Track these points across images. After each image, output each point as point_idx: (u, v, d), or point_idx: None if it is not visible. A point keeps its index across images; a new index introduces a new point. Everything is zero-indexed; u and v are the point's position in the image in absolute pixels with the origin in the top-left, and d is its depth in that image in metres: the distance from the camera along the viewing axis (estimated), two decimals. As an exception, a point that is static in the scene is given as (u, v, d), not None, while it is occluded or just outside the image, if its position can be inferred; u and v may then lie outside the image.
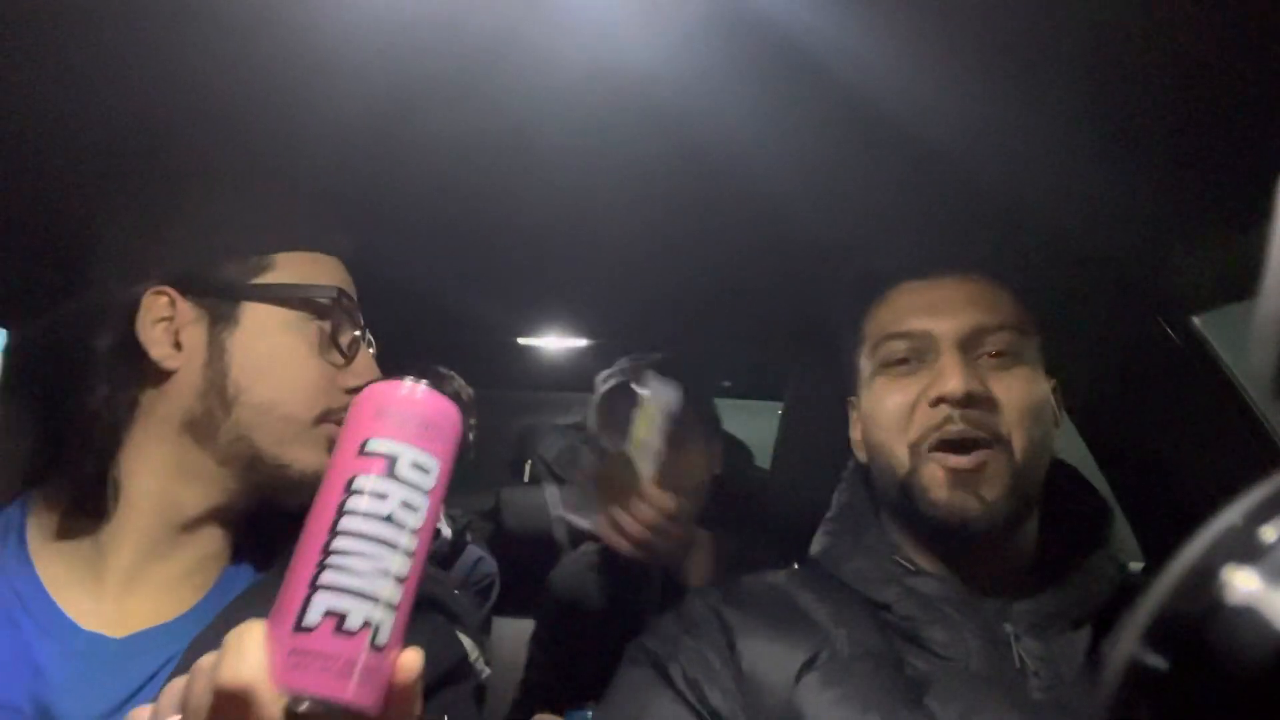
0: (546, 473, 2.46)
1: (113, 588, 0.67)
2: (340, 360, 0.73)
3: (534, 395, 2.65)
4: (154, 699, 0.60)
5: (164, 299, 0.70)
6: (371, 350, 0.78)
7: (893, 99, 0.67)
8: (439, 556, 1.64)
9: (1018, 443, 0.76)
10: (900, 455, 0.79)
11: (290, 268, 0.73)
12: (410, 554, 0.43)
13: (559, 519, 2.30)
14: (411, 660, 0.43)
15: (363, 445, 0.44)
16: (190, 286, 0.71)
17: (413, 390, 0.45)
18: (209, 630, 0.64)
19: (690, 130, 0.74)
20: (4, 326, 0.81)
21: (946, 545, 0.80)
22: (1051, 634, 0.75)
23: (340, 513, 0.42)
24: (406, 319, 1.27)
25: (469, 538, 1.93)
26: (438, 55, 0.65)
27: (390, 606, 0.42)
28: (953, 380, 0.76)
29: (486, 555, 1.87)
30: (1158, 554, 1.16)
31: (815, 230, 0.96)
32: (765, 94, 0.69)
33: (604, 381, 1.43)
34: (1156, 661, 0.27)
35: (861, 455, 0.88)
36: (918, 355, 0.81)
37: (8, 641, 0.63)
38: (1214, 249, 0.94)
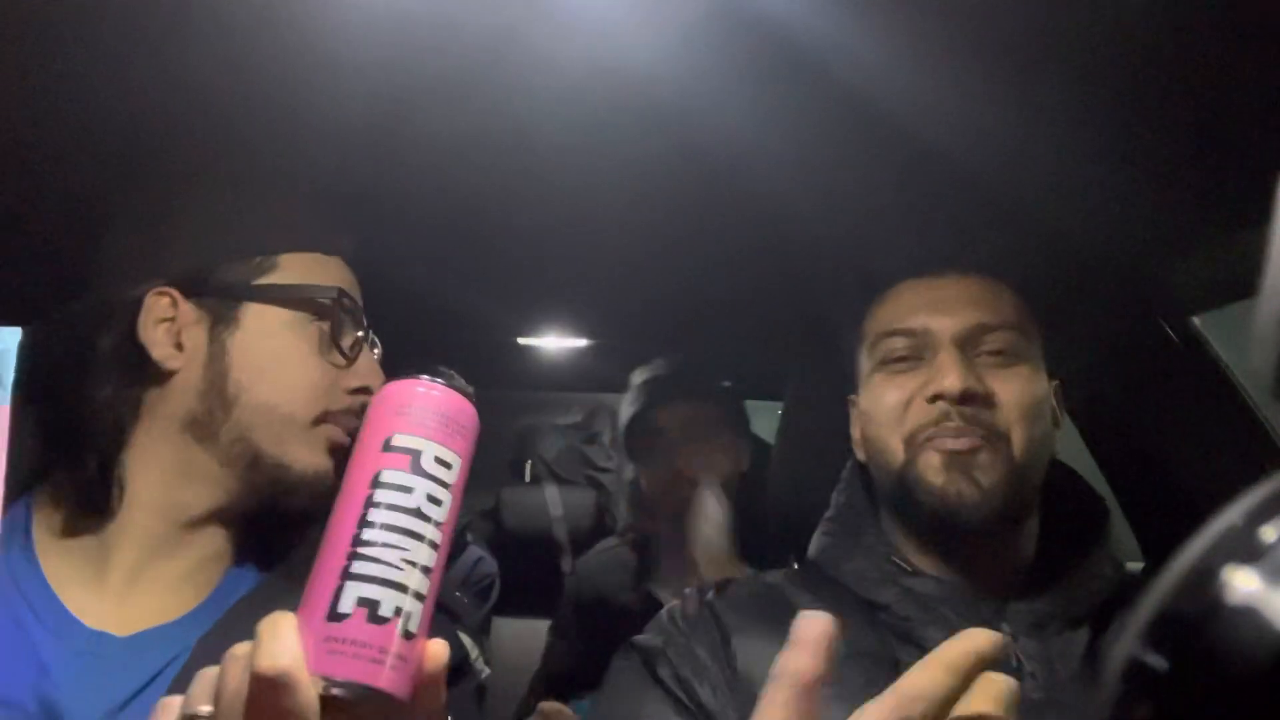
0: (546, 473, 2.47)
1: (117, 586, 0.67)
2: (342, 361, 0.73)
3: (534, 395, 2.65)
4: (163, 694, 0.61)
5: (166, 300, 0.70)
6: (377, 352, 0.78)
7: (892, 99, 0.68)
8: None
9: (1016, 439, 0.76)
10: (896, 449, 0.79)
11: (292, 268, 0.73)
12: (435, 546, 0.44)
13: (559, 519, 2.32)
14: (439, 650, 0.43)
15: (387, 441, 0.45)
16: (192, 287, 0.71)
17: (431, 388, 0.47)
18: (215, 630, 0.64)
19: (690, 130, 0.74)
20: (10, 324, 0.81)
21: (943, 537, 0.79)
22: (1049, 634, 0.75)
23: (368, 505, 0.43)
24: (407, 319, 1.27)
25: (469, 538, 1.93)
26: (438, 55, 0.65)
27: (419, 596, 0.43)
28: (950, 377, 0.76)
29: (487, 555, 1.87)
30: (1158, 554, 1.16)
31: (815, 230, 0.96)
32: (765, 94, 0.69)
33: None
34: (1156, 661, 0.27)
35: (861, 454, 0.88)
36: (916, 353, 0.81)
37: (13, 639, 0.63)
38: (1214, 249, 0.95)
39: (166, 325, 0.70)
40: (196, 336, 0.70)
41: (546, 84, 0.68)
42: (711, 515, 1.39)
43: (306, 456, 0.71)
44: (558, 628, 1.69)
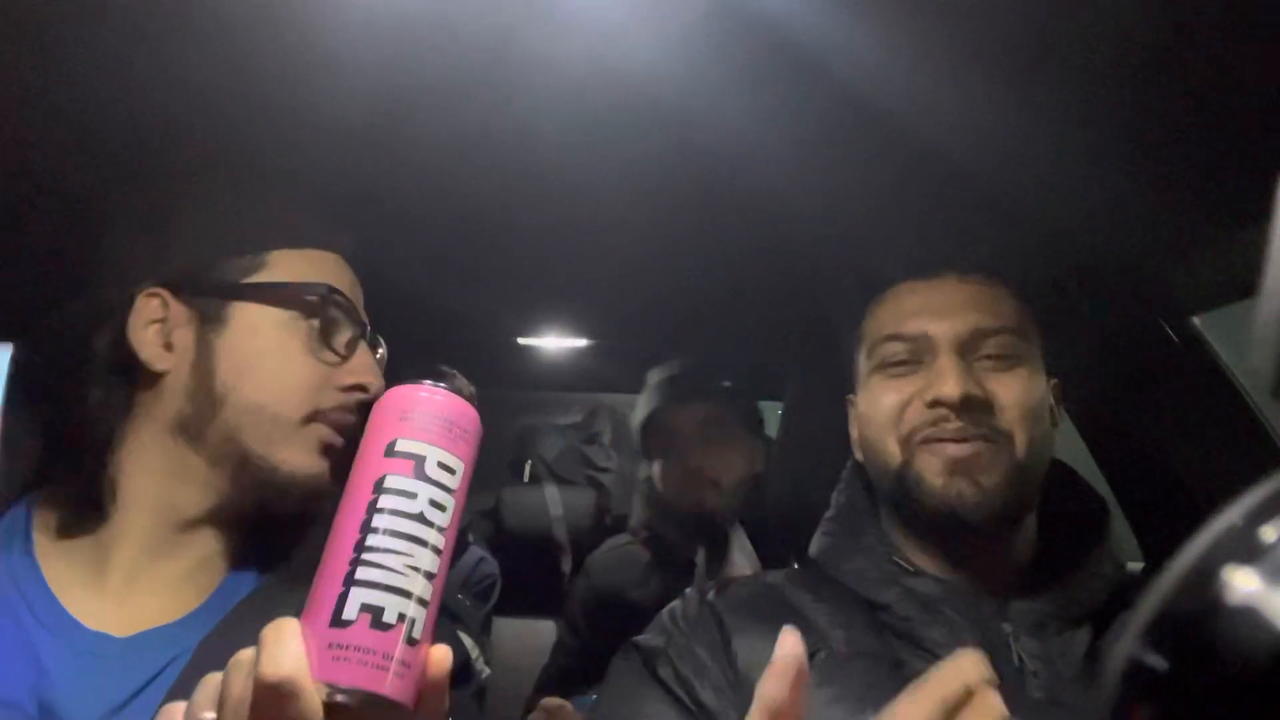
0: (546, 473, 2.47)
1: (116, 587, 0.67)
2: (334, 358, 0.72)
3: (534, 395, 2.65)
4: (163, 695, 0.61)
5: (156, 301, 0.70)
6: (381, 351, 0.78)
7: (892, 99, 0.68)
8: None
9: (1017, 440, 0.76)
10: (892, 449, 0.79)
11: (283, 266, 0.73)
12: (439, 551, 0.44)
13: (559, 519, 2.32)
14: (443, 655, 0.43)
15: (390, 446, 0.45)
16: (183, 287, 0.70)
17: (434, 393, 0.47)
18: (216, 632, 0.64)
19: (690, 130, 0.74)
20: (5, 331, 0.81)
21: (944, 537, 0.79)
22: (1050, 633, 0.76)
23: (372, 511, 0.43)
24: (407, 319, 1.27)
25: (471, 538, 1.93)
26: (438, 55, 0.65)
27: (422, 602, 0.43)
28: (950, 384, 0.76)
29: (488, 556, 1.88)
30: (1158, 554, 1.16)
31: (815, 230, 0.96)
32: (765, 94, 0.69)
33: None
34: (1156, 661, 0.27)
35: (860, 455, 0.88)
36: (915, 357, 0.81)
37: (12, 640, 0.63)
38: (1214, 249, 0.95)
39: (157, 326, 0.69)
40: (186, 337, 0.70)
41: (546, 84, 0.68)
42: (737, 563, 1.40)
43: (296, 457, 0.70)
44: (567, 624, 1.70)
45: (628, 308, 1.41)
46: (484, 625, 1.83)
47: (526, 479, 2.47)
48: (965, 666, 0.46)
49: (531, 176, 0.84)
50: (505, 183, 0.86)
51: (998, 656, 0.74)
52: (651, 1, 0.59)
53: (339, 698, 0.41)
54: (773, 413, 1.66)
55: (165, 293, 0.70)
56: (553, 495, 2.36)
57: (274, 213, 0.75)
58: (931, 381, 0.78)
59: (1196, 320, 1.07)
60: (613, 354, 1.81)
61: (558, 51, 0.64)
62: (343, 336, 0.73)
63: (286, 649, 0.40)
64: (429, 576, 0.43)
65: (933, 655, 0.75)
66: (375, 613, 0.41)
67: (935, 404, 0.77)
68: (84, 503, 0.68)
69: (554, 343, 1.72)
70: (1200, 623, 0.26)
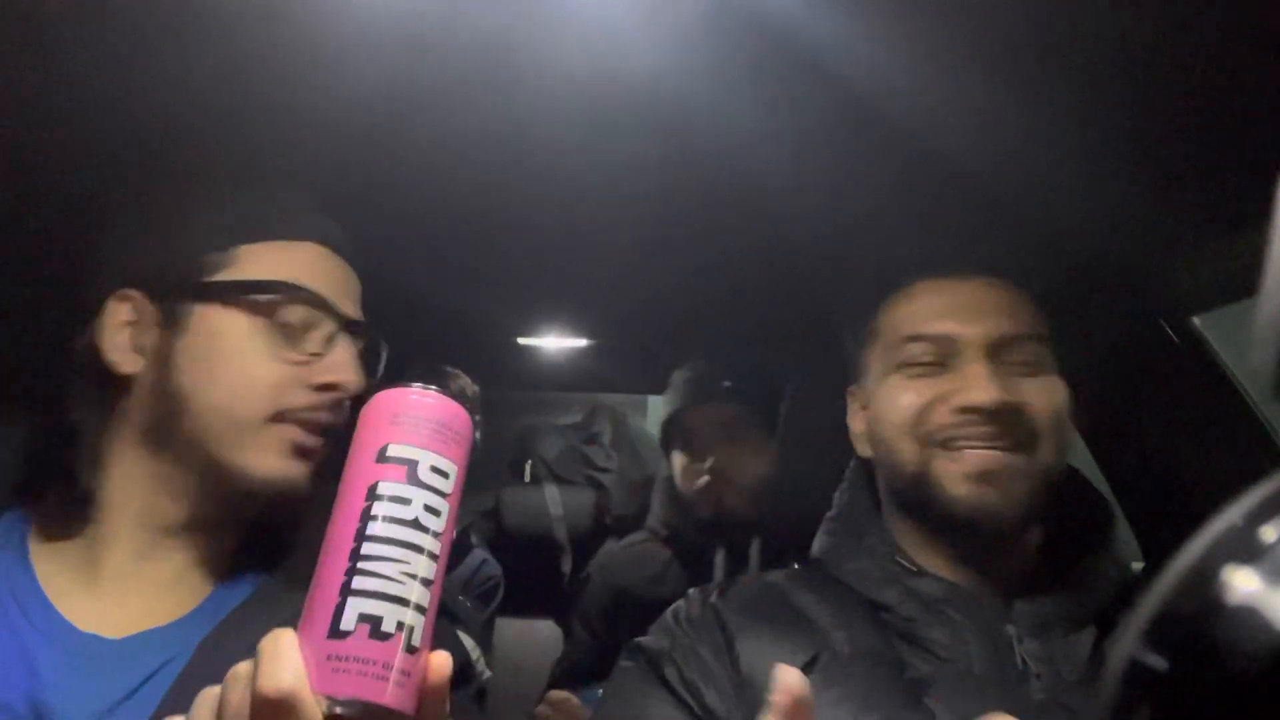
0: (546, 473, 2.47)
1: (108, 590, 0.66)
2: (301, 356, 0.68)
3: (534, 395, 2.65)
4: (157, 697, 0.61)
5: (128, 303, 0.68)
6: (383, 349, 0.75)
7: (891, 99, 0.68)
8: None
9: (1044, 448, 0.76)
10: (909, 451, 0.78)
11: (252, 261, 0.69)
12: (435, 557, 0.43)
13: (559, 519, 2.32)
14: (442, 662, 0.43)
15: (382, 451, 0.44)
16: (154, 289, 0.68)
17: (424, 395, 0.46)
18: (216, 634, 0.64)
19: (690, 130, 0.74)
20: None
21: (959, 542, 0.79)
22: (1053, 635, 0.75)
23: (365, 518, 0.42)
24: (407, 319, 1.27)
25: (474, 540, 1.93)
26: (438, 55, 0.65)
27: (420, 609, 0.42)
28: (983, 391, 0.74)
29: (491, 558, 1.87)
30: (1158, 554, 1.16)
31: (815, 230, 0.96)
32: (765, 94, 0.69)
33: None
34: (1156, 661, 0.27)
35: (862, 449, 0.87)
36: (940, 359, 0.79)
37: (5, 643, 0.62)
38: (1214, 249, 0.95)
39: (129, 329, 0.68)
40: (152, 340, 0.68)
41: (547, 84, 0.68)
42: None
43: (264, 460, 0.67)
44: (581, 619, 1.72)
45: (628, 308, 1.41)
46: (486, 627, 1.82)
47: (526, 479, 2.47)
48: None
49: (531, 176, 0.84)
50: (505, 183, 0.86)
51: (1001, 658, 0.74)
52: (652, 2, 0.59)
53: (339, 710, 0.40)
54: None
55: (138, 294, 0.68)
56: (553, 495, 2.36)
57: (241, 207, 0.71)
58: (960, 386, 0.76)
59: (1196, 320, 1.07)
60: (613, 354, 1.81)
61: (558, 52, 0.64)
62: (316, 333, 0.69)
63: (285, 662, 0.40)
64: (426, 583, 0.43)
65: (935, 656, 0.75)
66: (374, 622, 0.41)
67: (966, 410, 0.75)
68: (68, 507, 0.68)
69: (554, 343, 1.72)
70: (1200, 623, 0.26)
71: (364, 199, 0.86)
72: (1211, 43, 0.61)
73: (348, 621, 0.41)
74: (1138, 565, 0.92)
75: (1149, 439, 1.15)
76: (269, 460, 0.67)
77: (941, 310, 0.80)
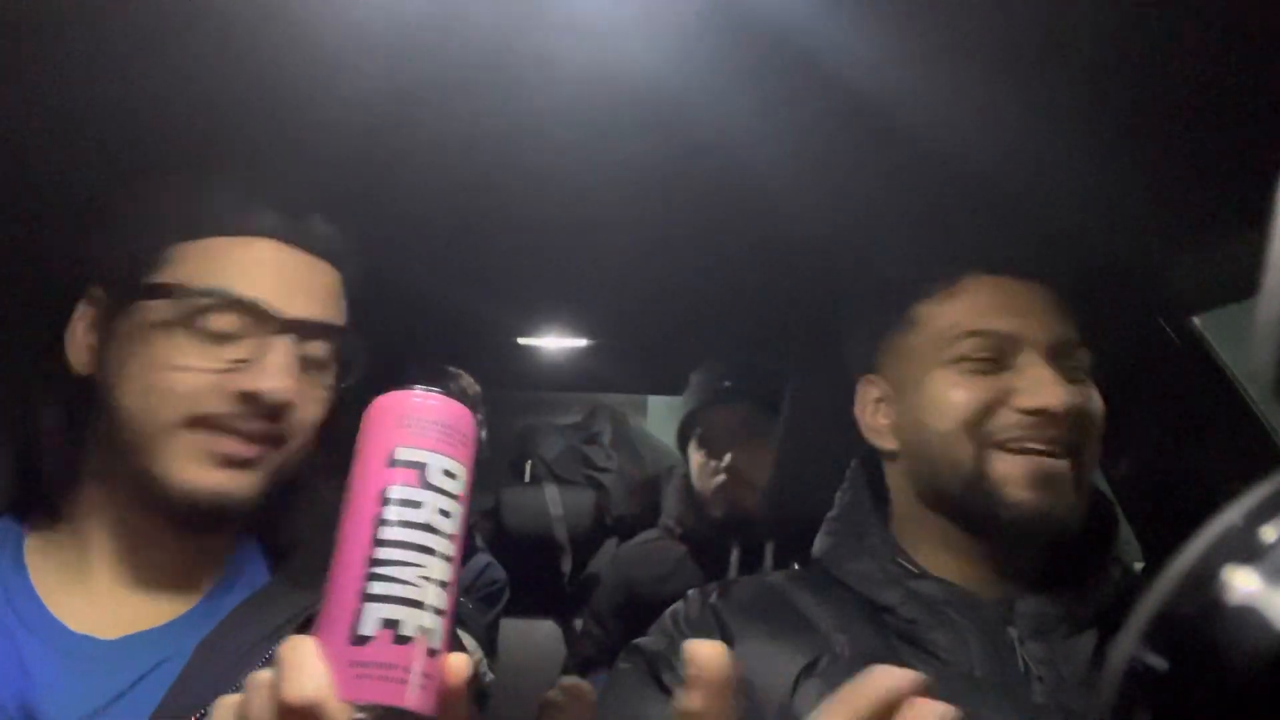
0: (546, 473, 2.47)
1: (101, 591, 0.66)
2: (224, 364, 0.65)
3: (534, 395, 2.65)
4: (152, 697, 0.61)
5: (90, 305, 0.68)
6: (316, 344, 0.69)
7: (891, 99, 0.67)
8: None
9: (1089, 456, 0.76)
10: (965, 452, 0.76)
11: (186, 262, 0.66)
12: (449, 559, 0.43)
13: (559, 519, 2.32)
14: (461, 663, 0.43)
15: (391, 455, 0.44)
16: (110, 290, 0.68)
17: (428, 398, 0.45)
18: (213, 635, 0.64)
19: (690, 129, 0.74)
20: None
21: (1004, 546, 0.77)
22: (1055, 637, 0.75)
23: (379, 524, 0.42)
24: (407, 319, 1.27)
25: (479, 542, 1.93)
26: (438, 55, 0.65)
27: (438, 612, 0.42)
28: (1054, 394, 0.73)
29: (495, 561, 1.87)
30: (1158, 554, 1.16)
31: (816, 230, 0.96)
32: (765, 93, 0.69)
33: None
34: (1156, 662, 0.27)
35: (884, 442, 0.84)
36: (997, 355, 0.77)
37: None
38: (1214, 249, 0.95)
39: (91, 330, 0.68)
40: (97, 340, 0.68)
41: (546, 84, 0.68)
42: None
43: (183, 470, 0.64)
44: (592, 615, 1.73)
45: (628, 308, 1.41)
46: (491, 630, 1.81)
47: (526, 479, 2.47)
48: (887, 677, 0.46)
49: (531, 176, 0.84)
50: (505, 182, 0.86)
51: (1002, 661, 0.74)
52: (651, 1, 0.59)
53: (361, 715, 0.40)
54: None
55: (101, 294, 0.68)
56: (553, 495, 2.37)
57: (180, 204, 0.68)
58: (1024, 387, 0.75)
59: (1196, 320, 1.07)
60: (613, 354, 1.81)
61: (558, 51, 0.64)
62: (249, 338, 0.65)
63: (309, 670, 0.39)
64: (442, 585, 0.43)
65: (936, 659, 0.75)
66: (394, 627, 0.41)
67: (1034, 412, 0.74)
68: (48, 510, 0.68)
69: (554, 343, 1.72)
70: (1200, 623, 0.26)
71: (364, 199, 0.86)
72: (1211, 43, 0.61)
73: (367, 627, 0.41)
74: (1138, 565, 0.92)
75: (1149, 439, 1.15)
76: (187, 469, 0.64)
77: (1000, 306, 0.78)
